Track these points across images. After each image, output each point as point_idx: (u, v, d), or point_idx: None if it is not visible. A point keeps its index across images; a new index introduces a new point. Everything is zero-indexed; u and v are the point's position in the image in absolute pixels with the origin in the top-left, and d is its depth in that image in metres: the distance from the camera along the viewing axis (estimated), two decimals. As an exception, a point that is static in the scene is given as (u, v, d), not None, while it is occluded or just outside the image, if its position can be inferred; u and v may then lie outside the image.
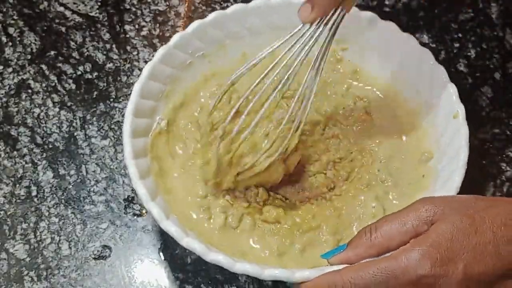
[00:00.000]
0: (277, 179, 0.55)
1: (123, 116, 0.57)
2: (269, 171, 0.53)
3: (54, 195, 0.61)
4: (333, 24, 0.49)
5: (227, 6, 0.72)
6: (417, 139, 0.59)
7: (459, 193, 0.51)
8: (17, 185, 0.61)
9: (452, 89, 0.56)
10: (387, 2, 0.73)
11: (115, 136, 0.64)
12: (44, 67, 0.68)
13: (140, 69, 0.66)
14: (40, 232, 0.59)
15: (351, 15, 0.59)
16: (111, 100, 0.66)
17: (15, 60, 0.68)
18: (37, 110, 0.65)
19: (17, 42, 0.69)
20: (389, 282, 0.41)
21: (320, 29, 0.49)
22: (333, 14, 0.49)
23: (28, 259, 0.57)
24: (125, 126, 0.53)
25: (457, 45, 0.70)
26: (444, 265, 0.40)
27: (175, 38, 0.58)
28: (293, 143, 0.53)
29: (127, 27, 0.71)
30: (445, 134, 0.55)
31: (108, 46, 0.69)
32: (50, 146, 0.63)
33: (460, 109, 0.55)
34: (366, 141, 0.59)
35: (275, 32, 0.61)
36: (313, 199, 0.56)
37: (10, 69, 0.68)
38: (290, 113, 0.51)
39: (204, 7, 0.72)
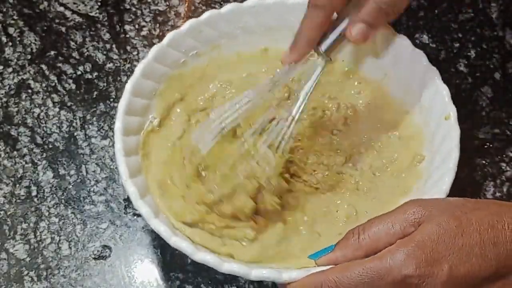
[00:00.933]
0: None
1: (123, 116, 0.57)
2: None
3: (54, 195, 0.61)
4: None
5: (227, 6, 0.72)
6: (408, 140, 0.59)
7: (451, 194, 0.51)
8: (17, 185, 0.61)
9: (445, 91, 0.55)
10: (387, 2, 0.73)
11: (115, 136, 0.64)
12: (44, 67, 0.68)
13: (140, 69, 0.66)
14: (40, 232, 0.59)
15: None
16: (111, 100, 0.66)
17: (15, 60, 0.68)
18: (37, 110, 0.65)
19: (17, 42, 0.69)
20: (374, 282, 0.41)
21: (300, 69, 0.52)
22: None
23: (28, 259, 0.57)
24: (117, 124, 0.53)
25: (457, 45, 0.70)
26: (429, 265, 0.40)
27: (168, 36, 0.58)
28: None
29: (127, 27, 0.71)
30: (437, 136, 0.55)
31: (108, 46, 0.69)
32: (50, 146, 0.63)
33: (452, 111, 0.54)
34: (357, 141, 0.60)
35: (269, 31, 0.61)
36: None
37: (10, 69, 0.68)
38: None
39: (204, 7, 0.72)
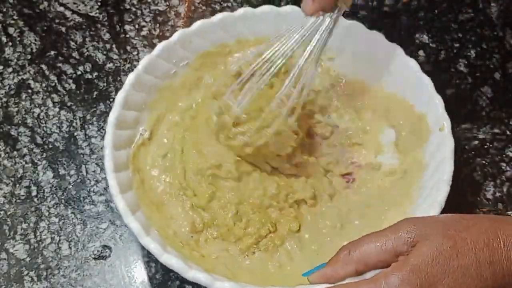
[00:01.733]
0: (289, 148, 0.55)
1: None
2: (281, 137, 0.53)
3: (54, 195, 0.61)
4: (332, 18, 0.52)
5: (227, 6, 0.72)
6: (402, 150, 0.58)
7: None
8: (17, 185, 0.61)
9: (439, 101, 0.55)
10: (387, 2, 0.73)
11: (115, 136, 0.64)
12: (44, 67, 0.68)
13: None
14: (40, 232, 0.59)
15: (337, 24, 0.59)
16: (111, 100, 0.66)
17: (15, 60, 0.68)
18: (37, 110, 0.65)
19: (17, 42, 0.69)
20: None
21: (321, 21, 0.51)
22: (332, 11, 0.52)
23: (28, 259, 0.57)
24: (107, 139, 0.52)
25: (457, 45, 0.70)
26: None
27: (158, 47, 0.57)
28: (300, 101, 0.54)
29: (127, 27, 0.71)
30: (430, 146, 0.55)
31: (108, 46, 0.69)
32: (50, 146, 0.63)
33: (446, 122, 0.54)
34: (352, 153, 0.60)
35: (261, 41, 0.60)
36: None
37: (10, 69, 0.68)
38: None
39: (204, 7, 0.73)
